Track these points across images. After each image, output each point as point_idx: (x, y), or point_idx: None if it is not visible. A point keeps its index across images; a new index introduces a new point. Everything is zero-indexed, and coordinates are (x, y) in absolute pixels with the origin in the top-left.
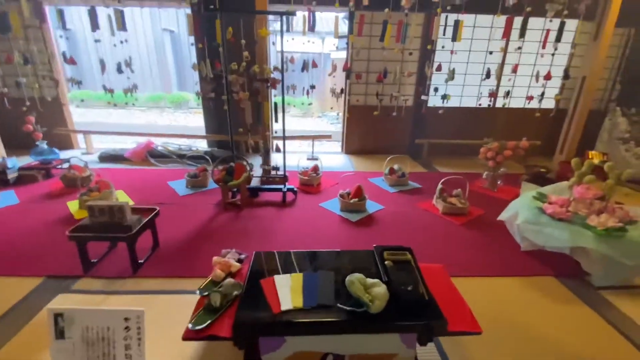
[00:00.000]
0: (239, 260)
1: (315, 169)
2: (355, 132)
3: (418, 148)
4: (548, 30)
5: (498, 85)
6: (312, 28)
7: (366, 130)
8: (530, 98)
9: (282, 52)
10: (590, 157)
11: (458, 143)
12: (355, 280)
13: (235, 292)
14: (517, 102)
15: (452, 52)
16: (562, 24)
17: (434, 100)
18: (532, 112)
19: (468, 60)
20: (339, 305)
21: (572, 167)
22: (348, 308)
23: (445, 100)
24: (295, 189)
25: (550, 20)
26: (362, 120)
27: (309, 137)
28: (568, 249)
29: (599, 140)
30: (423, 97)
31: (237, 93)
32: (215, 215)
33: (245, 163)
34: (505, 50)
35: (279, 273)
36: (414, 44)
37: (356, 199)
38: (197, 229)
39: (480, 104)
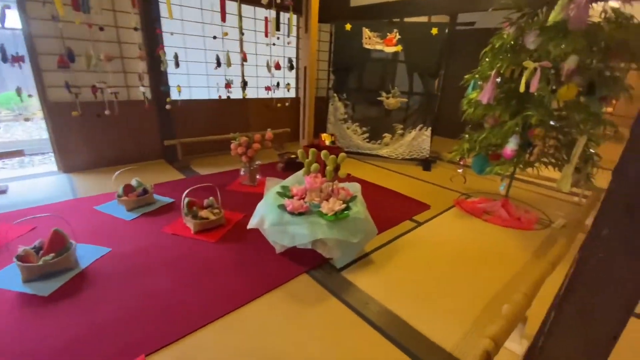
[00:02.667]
0: None
1: None
2: (76, 140)
3: (173, 150)
4: (266, 19)
5: (241, 75)
6: None
7: (95, 135)
8: (268, 88)
9: None
10: (322, 138)
11: (214, 139)
12: None
13: None
14: (260, 92)
15: (158, 30)
16: (278, 14)
17: (182, 93)
18: (279, 102)
19: (205, 47)
20: None
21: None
22: None
23: (178, 93)
24: None
25: (267, 9)
26: (85, 122)
27: None
28: (310, 243)
29: (329, 122)
30: (141, 89)
31: None
32: None
33: None
34: (241, 39)
35: None
36: (118, 19)
37: (50, 256)
38: None
39: (220, 96)
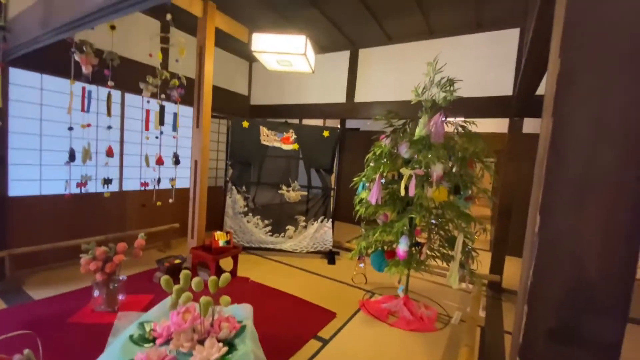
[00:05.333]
0: None
1: None
2: None
3: (1, 265)
4: (148, 111)
5: (120, 169)
6: None
7: None
8: (145, 184)
9: None
10: (216, 238)
11: (62, 246)
12: None
13: None
14: (134, 185)
15: None
16: (162, 107)
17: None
18: (162, 196)
19: (71, 135)
20: None
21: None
22: None
23: None
24: None
25: (148, 101)
26: None
27: None
28: None
29: (226, 215)
30: None
31: None
32: None
33: None
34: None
35: None
36: None
37: None
38: None
39: (68, 194)
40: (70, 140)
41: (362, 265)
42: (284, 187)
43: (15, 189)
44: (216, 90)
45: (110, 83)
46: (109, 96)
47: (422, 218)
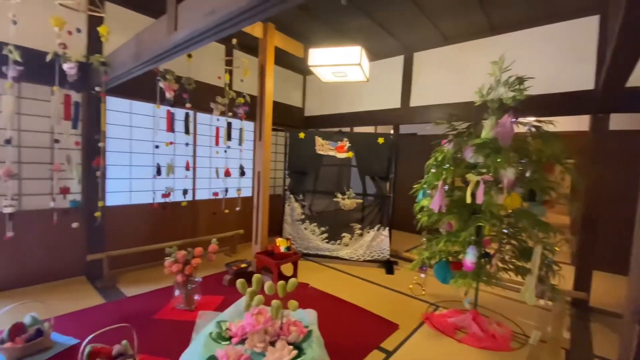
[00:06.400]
0: None
1: None
2: None
3: (98, 265)
4: (217, 128)
5: (192, 181)
6: None
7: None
8: (216, 194)
9: None
10: (278, 244)
11: (148, 250)
12: None
13: None
14: (205, 195)
15: (77, 143)
16: (229, 124)
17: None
18: (229, 205)
19: (153, 152)
20: None
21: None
22: None
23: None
24: None
25: (217, 119)
26: None
27: None
28: None
29: (285, 223)
30: (51, 204)
31: None
32: None
33: None
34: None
35: None
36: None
37: None
38: None
39: (156, 203)
40: (153, 157)
41: (423, 275)
42: (339, 195)
43: (111, 200)
44: (274, 104)
45: (187, 105)
46: (187, 117)
47: (492, 227)
